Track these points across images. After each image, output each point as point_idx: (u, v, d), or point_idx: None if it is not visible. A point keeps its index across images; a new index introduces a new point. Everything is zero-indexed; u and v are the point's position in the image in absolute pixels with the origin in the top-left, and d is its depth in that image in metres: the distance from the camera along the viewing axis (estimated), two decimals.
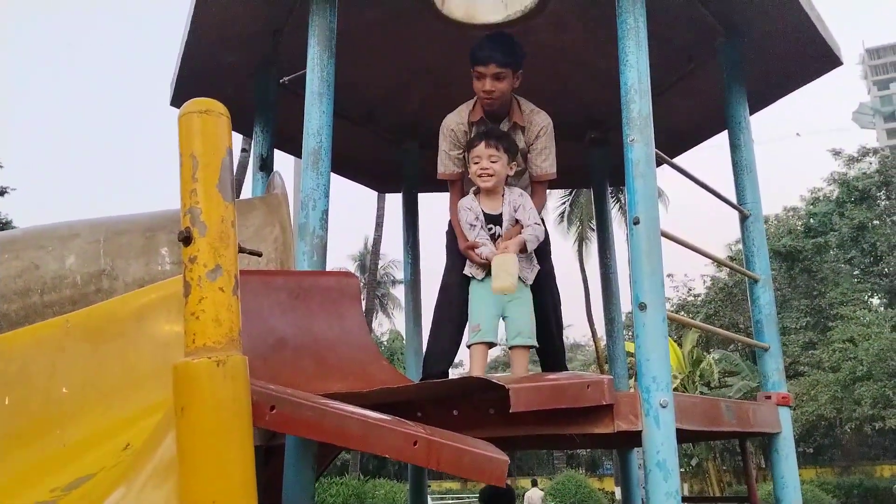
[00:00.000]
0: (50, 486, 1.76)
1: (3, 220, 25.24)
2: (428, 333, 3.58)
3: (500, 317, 3.15)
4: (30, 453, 1.89)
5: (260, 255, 1.77)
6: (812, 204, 33.88)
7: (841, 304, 28.48)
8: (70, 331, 2.08)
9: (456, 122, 3.51)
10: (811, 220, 32.48)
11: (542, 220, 3.42)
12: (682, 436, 2.46)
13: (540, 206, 3.46)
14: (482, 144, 3.21)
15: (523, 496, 21.26)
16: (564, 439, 3.14)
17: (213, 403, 1.36)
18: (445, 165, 3.50)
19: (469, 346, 3.15)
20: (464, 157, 3.42)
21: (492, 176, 3.20)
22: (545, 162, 3.44)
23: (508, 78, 3.38)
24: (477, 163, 3.22)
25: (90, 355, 2.06)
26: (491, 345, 3.13)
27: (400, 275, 37.00)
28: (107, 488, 1.49)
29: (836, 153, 34.24)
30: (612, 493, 30.31)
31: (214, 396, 1.36)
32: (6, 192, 25.92)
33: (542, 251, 3.44)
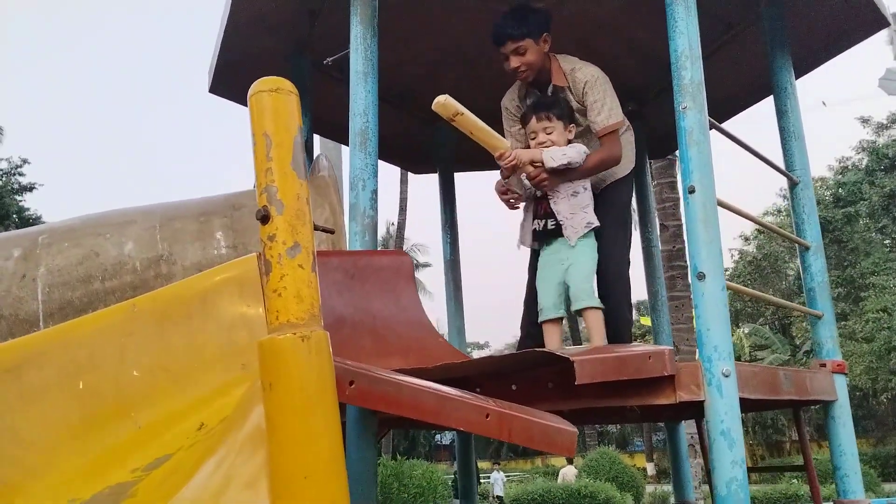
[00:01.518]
0: (129, 467, 1.79)
1: (33, 217, 25.65)
2: None
3: (564, 285, 3.14)
4: (106, 436, 1.91)
5: (333, 231, 1.78)
6: (841, 173, 33.41)
7: (873, 273, 28.14)
8: (137, 315, 2.10)
9: (509, 99, 3.53)
10: (840, 190, 32.04)
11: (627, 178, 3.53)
12: (744, 405, 2.44)
13: (612, 158, 3.31)
14: (533, 119, 3.19)
15: (558, 473, 21.31)
16: (620, 412, 3.15)
17: (300, 378, 1.37)
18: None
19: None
20: (523, 132, 3.39)
21: (553, 146, 3.17)
22: (600, 115, 3.29)
23: (532, 48, 3.31)
24: (534, 138, 3.21)
25: (158, 338, 2.08)
26: (559, 319, 3.15)
27: (423, 258, 37.07)
28: (194, 464, 1.51)
29: (865, 121, 33.65)
30: (644, 468, 30.35)
31: (301, 371, 1.37)
32: (34, 187, 26.31)
33: (608, 213, 3.33)
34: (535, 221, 3.26)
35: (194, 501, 1.39)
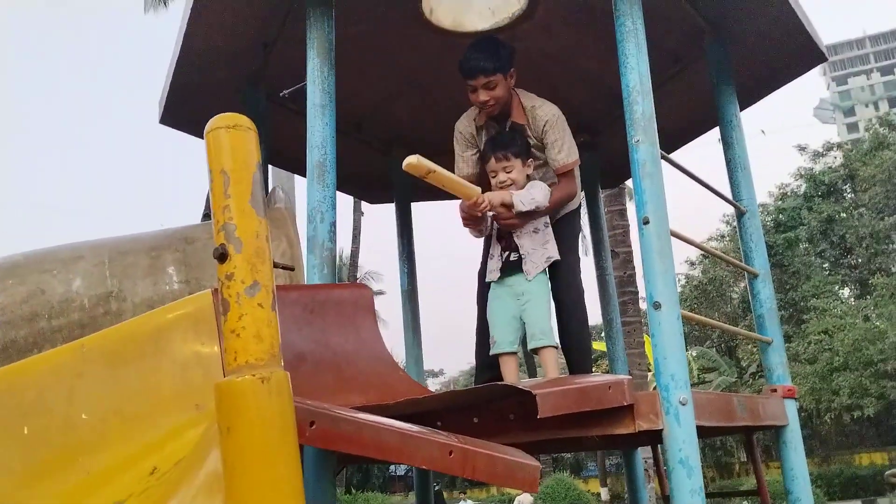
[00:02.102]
0: None
1: None
2: None
3: (520, 320, 3.14)
4: (54, 484, 1.83)
5: (293, 268, 1.74)
6: (780, 199, 34.48)
7: (814, 296, 28.97)
8: (86, 355, 2.03)
9: (464, 125, 3.57)
10: (780, 216, 33.04)
11: (577, 211, 3.68)
12: (699, 431, 2.47)
13: (569, 195, 3.45)
14: (492, 159, 3.25)
15: (513, 500, 21.25)
16: (579, 441, 3.15)
17: (260, 421, 1.33)
18: (460, 168, 3.54)
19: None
20: (476, 157, 3.52)
21: (513, 184, 3.23)
22: (560, 154, 3.37)
23: (501, 83, 3.36)
24: (494, 177, 3.28)
25: (109, 379, 2.01)
26: (511, 353, 3.15)
27: (377, 286, 36.84)
28: None
29: (802, 149, 34.87)
30: (598, 493, 30.39)
31: (260, 414, 1.33)
32: None
33: (563, 243, 3.40)
34: (502, 254, 3.27)
35: None
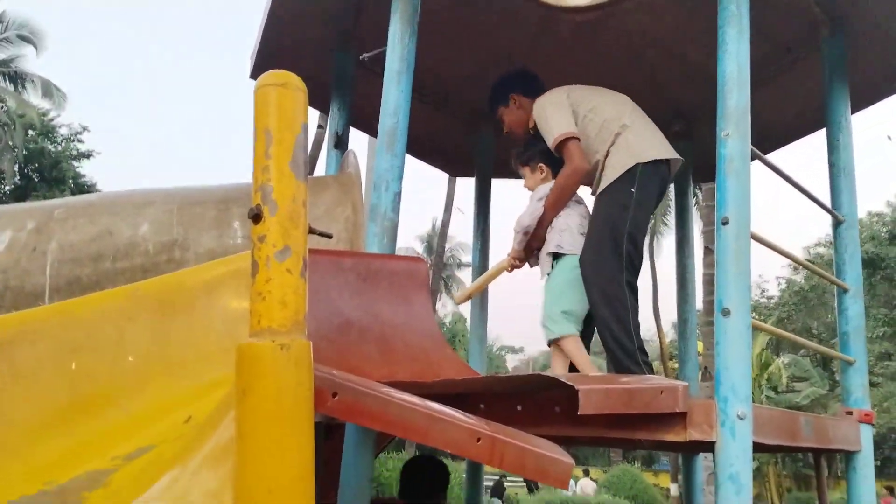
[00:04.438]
0: (111, 454, 1.76)
1: (89, 184, 26.24)
2: None
3: None
4: (94, 420, 1.89)
5: (330, 236, 1.71)
6: None
7: None
8: (139, 300, 2.08)
9: None
10: None
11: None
12: (757, 448, 2.33)
13: (570, 176, 3.24)
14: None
15: (576, 484, 21.10)
16: (630, 441, 3.04)
17: (276, 388, 1.31)
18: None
19: None
20: None
21: (532, 190, 3.43)
22: (548, 138, 3.30)
23: (507, 113, 3.62)
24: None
25: (159, 326, 2.05)
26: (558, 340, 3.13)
27: (466, 258, 36.98)
28: (163, 465, 1.46)
29: None
30: (668, 489, 29.79)
31: (277, 381, 1.31)
32: (91, 155, 26.90)
33: (591, 222, 3.24)
34: None
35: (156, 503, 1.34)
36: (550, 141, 3.26)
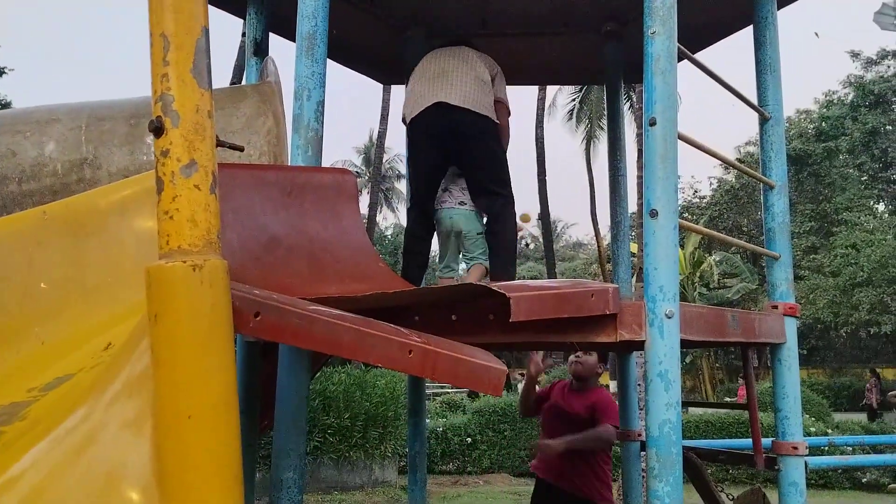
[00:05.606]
0: (28, 385, 1.69)
1: (3, 101, 24.73)
2: None
3: None
4: (7, 351, 1.80)
5: (242, 149, 1.62)
6: (825, 107, 33.18)
7: (846, 209, 28.38)
8: (48, 223, 1.97)
9: None
10: (823, 124, 31.90)
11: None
12: (686, 344, 2.39)
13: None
14: None
15: (516, 387, 21.75)
16: (563, 344, 3.09)
17: (190, 311, 1.25)
18: None
19: None
20: None
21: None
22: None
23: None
24: None
25: (70, 250, 1.95)
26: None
27: (404, 169, 36.65)
28: (81, 395, 1.40)
29: (855, 55, 33.21)
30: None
31: (190, 303, 1.25)
32: (4, 72, 25.28)
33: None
34: None
35: (64, 442, 1.29)
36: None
